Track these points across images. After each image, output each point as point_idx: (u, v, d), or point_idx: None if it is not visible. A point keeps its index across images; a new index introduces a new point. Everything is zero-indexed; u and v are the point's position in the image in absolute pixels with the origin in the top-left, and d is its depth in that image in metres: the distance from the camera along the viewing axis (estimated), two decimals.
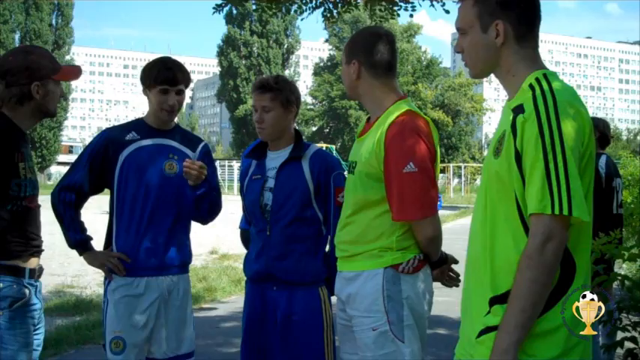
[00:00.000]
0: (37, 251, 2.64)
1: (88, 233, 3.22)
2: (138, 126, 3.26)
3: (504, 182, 1.85)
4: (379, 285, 2.57)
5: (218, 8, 6.72)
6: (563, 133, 1.75)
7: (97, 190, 3.26)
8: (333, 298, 3.05)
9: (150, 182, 3.14)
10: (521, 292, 1.76)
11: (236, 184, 32.56)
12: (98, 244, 3.26)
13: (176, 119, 3.42)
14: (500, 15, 1.92)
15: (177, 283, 3.19)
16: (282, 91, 3.11)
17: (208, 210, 3.28)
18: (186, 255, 3.26)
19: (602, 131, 4.95)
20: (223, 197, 3.54)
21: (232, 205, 9.32)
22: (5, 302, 2.47)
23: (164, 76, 3.14)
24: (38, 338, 2.69)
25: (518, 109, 1.83)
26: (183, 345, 3.19)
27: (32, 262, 2.61)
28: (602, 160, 4.88)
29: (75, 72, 2.81)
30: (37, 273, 2.64)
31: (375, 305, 2.57)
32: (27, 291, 2.54)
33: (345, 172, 3.04)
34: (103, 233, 3.23)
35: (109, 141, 3.20)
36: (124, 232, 3.15)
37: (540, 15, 1.97)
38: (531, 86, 1.85)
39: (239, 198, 3.49)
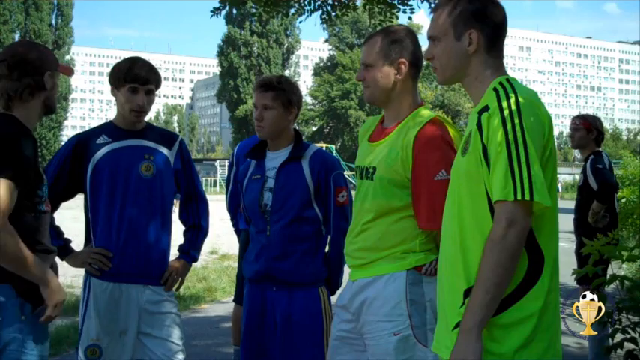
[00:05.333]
0: (53, 251, 2.60)
1: (66, 236, 3.14)
2: (108, 129, 3.15)
3: (473, 178, 1.95)
4: (402, 287, 2.47)
5: (216, 12, 6.70)
6: (525, 125, 1.85)
7: (68, 197, 3.13)
8: (333, 298, 3.04)
9: (126, 186, 3.03)
10: (485, 275, 1.83)
11: None
12: (81, 243, 3.18)
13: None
14: (474, 25, 2.04)
15: (158, 292, 3.10)
16: (284, 91, 3.12)
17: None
18: (164, 267, 3.15)
19: (599, 129, 5.01)
20: (222, 197, 3.52)
21: None
22: (28, 307, 2.38)
23: (134, 74, 3.02)
24: None
25: (483, 109, 1.94)
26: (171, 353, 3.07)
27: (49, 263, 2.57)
28: (605, 158, 4.92)
29: (70, 68, 2.75)
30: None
31: (397, 309, 2.46)
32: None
33: (346, 173, 3.01)
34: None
35: (78, 147, 3.09)
36: (102, 239, 3.05)
37: (507, 30, 2.12)
38: (495, 89, 1.97)
39: None
